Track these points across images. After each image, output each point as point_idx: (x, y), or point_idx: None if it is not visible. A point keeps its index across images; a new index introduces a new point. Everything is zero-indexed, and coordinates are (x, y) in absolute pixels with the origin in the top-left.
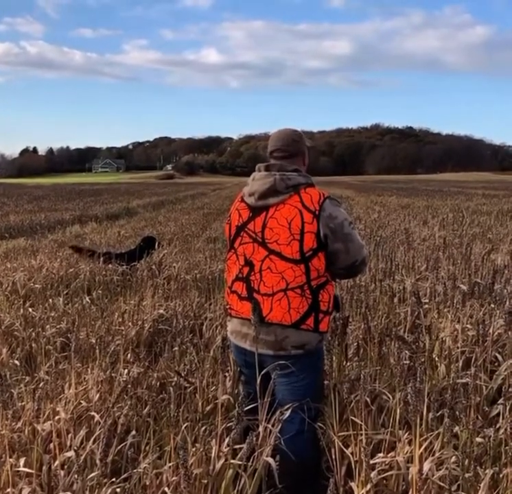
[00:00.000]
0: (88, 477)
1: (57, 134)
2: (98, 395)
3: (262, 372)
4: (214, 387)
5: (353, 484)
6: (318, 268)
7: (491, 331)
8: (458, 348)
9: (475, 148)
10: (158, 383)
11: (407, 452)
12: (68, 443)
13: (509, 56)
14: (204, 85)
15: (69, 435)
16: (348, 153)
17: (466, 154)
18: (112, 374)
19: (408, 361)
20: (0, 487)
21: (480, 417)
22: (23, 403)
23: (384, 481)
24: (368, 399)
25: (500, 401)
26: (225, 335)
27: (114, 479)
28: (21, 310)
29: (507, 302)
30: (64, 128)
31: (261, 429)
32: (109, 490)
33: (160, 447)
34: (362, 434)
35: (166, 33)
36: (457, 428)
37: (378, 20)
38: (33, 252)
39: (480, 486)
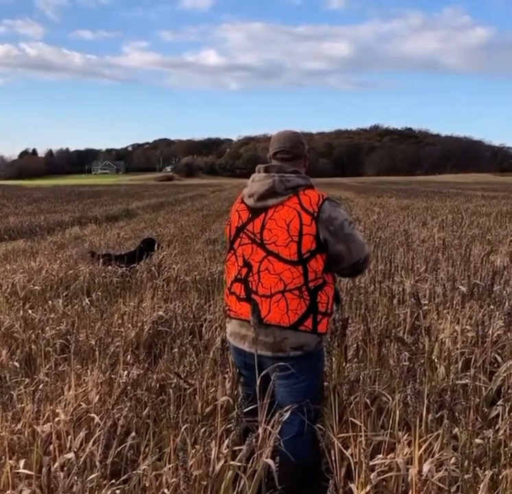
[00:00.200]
0: (88, 478)
1: (57, 136)
2: (98, 397)
3: (261, 374)
4: (214, 389)
5: (352, 486)
6: (315, 270)
7: (490, 332)
8: (457, 349)
9: (475, 149)
10: (157, 385)
11: (406, 453)
12: (68, 445)
13: (509, 57)
14: (203, 87)
15: (69, 436)
16: (348, 154)
17: (465, 155)
18: (112, 376)
19: (407, 363)
20: (0, 489)
21: (479, 418)
22: (23, 405)
23: (384, 482)
24: (367, 401)
25: (500, 402)
26: (224, 337)
27: (113, 481)
28: (21, 312)
29: (506, 304)
30: (64, 130)
31: (260, 430)
32: (109, 492)
33: (159, 448)
34: (361, 436)
35: (165, 35)
36: (456, 429)
37: (377, 21)
38: (33, 253)
39: (479, 487)
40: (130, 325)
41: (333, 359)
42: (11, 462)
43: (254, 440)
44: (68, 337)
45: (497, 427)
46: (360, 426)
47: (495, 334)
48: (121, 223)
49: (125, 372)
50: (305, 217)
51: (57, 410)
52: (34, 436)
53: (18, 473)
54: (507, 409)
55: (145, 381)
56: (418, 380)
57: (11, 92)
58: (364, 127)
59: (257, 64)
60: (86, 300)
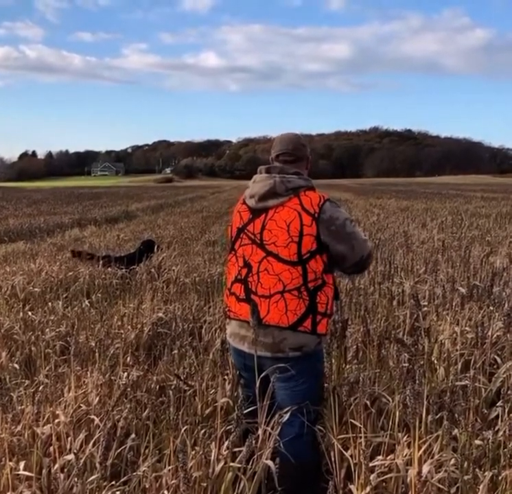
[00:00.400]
0: (88, 480)
1: (57, 138)
2: (98, 398)
3: (261, 375)
4: (213, 391)
5: (352, 487)
6: (315, 270)
7: (489, 333)
8: (457, 350)
9: (474, 151)
10: (157, 387)
11: (406, 454)
12: (67, 446)
13: (508, 59)
14: (203, 88)
15: (69, 438)
16: (347, 156)
17: (465, 156)
18: (112, 378)
19: (407, 364)
20: (0, 490)
21: (479, 419)
22: (23, 407)
23: (384, 483)
24: (367, 402)
25: (499, 403)
26: (224, 339)
27: (113, 483)
28: (21, 313)
29: (506, 305)
30: (64, 132)
31: (260, 432)
32: (109, 493)
33: (159, 450)
34: (361, 437)
35: (165, 37)
36: (456, 430)
37: (377, 23)
38: (33, 255)
39: (479, 489)
40: (129, 327)
41: (333, 361)
42: (11, 463)
43: (254, 442)
44: (68, 338)
45: (496, 428)
46: (360, 427)
47: (495, 335)
48: (120, 225)
49: (125, 373)
50: (305, 217)
51: (57, 412)
52: (34, 437)
53: (18, 474)
54: (507, 411)
55: (145, 383)
56: (417, 381)
57: (10, 94)
58: (364, 128)
59: (257, 66)
60: (86, 302)
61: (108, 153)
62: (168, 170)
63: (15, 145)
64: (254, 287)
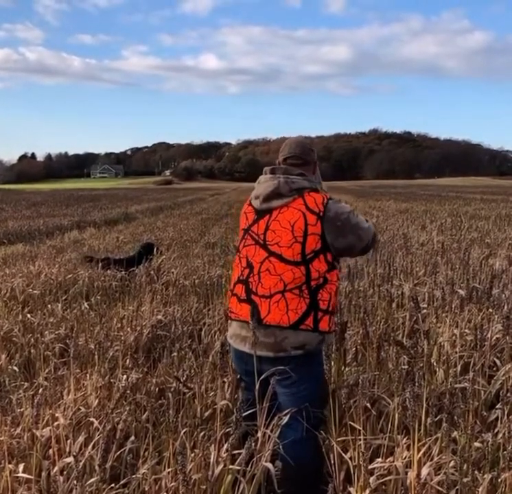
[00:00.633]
0: (87, 482)
1: (56, 140)
2: (97, 401)
3: (261, 377)
4: (213, 393)
5: (351, 489)
6: (318, 269)
7: (489, 335)
8: (456, 352)
9: (474, 153)
10: (157, 389)
11: (405, 457)
12: (67, 449)
13: (507, 61)
14: (202, 90)
15: (68, 441)
16: (347, 158)
17: (464, 158)
18: (111, 380)
19: (406, 366)
20: (0, 493)
21: (478, 422)
22: (22, 409)
23: (383, 486)
24: (367, 404)
25: (498, 405)
26: (224, 341)
27: (113, 485)
28: (20, 316)
29: (505, 307)
30: (63, 134)
31: (259, 434)
32: None
33: (159, 452)
34: (360, 439)
35: (165, 39)
36: (455, 433)
37: (376, 25)
38: (32, 257)
39: (478, 491)
40: (129, 329)
41: (333, 363)
42: (10, 466)
43: (253, 444)
44: (67, 341)
45: (496, 431)
46: (359, 430)
47: (494, 337)
48: (120, 227)
49: (125, 376)
50: (310, 217)
51: (56, 414)
52: (34, 440)
53: (17, 477)
54: (506, 413)
55: (144, 385)
56: (417, 383)
57: (10, 96)
58: (363, 130)
59: (257, 68)
60: (85, 304)
61: (108, 155)
62: (167, 172)
63: (14, 147)
64: (255, 288)
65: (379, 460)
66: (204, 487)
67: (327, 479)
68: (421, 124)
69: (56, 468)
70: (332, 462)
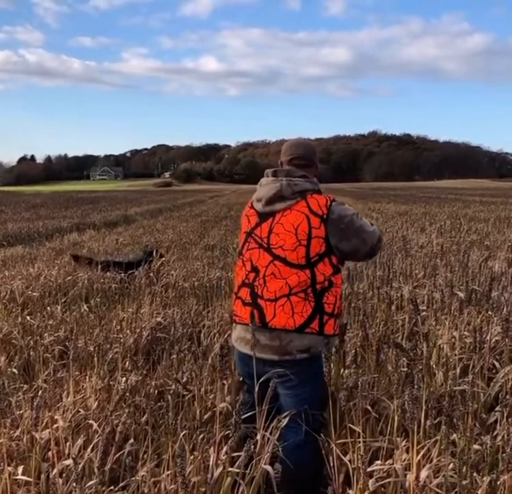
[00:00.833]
0: (87, 485)
1: (56, 142)
2: (96, 403)
3: (261, 379)
4: (212, 395)
5: (351, 492)
6: (323, 273)
7: (488, 338)
8: (455, 355)
9: (473, 155)
10: (156, 391)
11: (405, 459)
12: (66, 451)
13: (507, 64)
14: (202, 93)
15: (67, 443)
16: (346, 160)
17: (463, 161)
18: (111, 383)
19: (405, 369)
20: None
21: (477, 424)
22: (21, 412)
23: (382, 488)
24: (368, 407)
25: (498, 408)
26: (223, 343)
27: (112, 488)
28: (19, 318)
29: (504, 309)
30: (63, 136)
31: (259, 436)
32: None
33: (158, 455)
34: (360, 442)
35: (165, 42)
36: (454, 435)
37: (376, 27)
38: (31, 260)
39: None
40: (128, 331)
41: (332, 365)
42: (10, 468)
43: (252, 447)
44: (66, 343)
45: (495, 433)
46: (359, 432)
47: (493, 340)
48: (119, 229)
49: (124, 378)
50: (313, 220)
51: (55, 417)
52: (33, 442)
53: (16, 479)
54: (505, 415)
55: (144, 388)
56: (416, 386)
57: (10, 99)
58: (363, 133)
59: (256, 70)
60: (85, 307)
61: (107, 157)
62: (167, 174)
63: (14, 149)
64: (260, 291)
65: (379, 462)
66: (204, 489)
67: (326, 481)
68: (421, 126)
69: (55, 471)
70: (331, 464)
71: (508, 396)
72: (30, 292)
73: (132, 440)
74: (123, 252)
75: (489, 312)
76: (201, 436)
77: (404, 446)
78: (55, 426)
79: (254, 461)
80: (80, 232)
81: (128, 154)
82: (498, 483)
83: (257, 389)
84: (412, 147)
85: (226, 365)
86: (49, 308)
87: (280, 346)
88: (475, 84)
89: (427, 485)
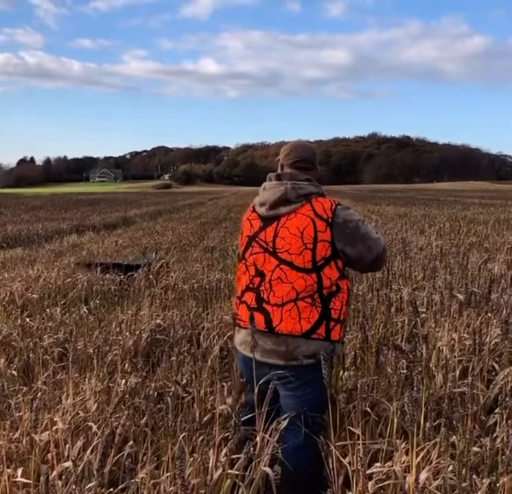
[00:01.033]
0: (86, 487)
1: (55, 144)
2: (96, 405)
3: (261, 381)
4: (212, 397)
5: None
6: (330, 277)
7: (487, 340)
8: (455, 357)
9: (472, 157)
10: (155, 393)
11: (404, 461)
12: (65, 453)
13: (507, 66)
14: (202, 95)
15: (67, 445)
16: (345, 162)
17: (463, 163)
18: (110, 385)
19: (405, 371)
20: None
21: (477, 426)
22: (21, 414)
23: (382, 490)
24: (367, 409)
25: (497, 410)
26: (223, 345)
27: (111, 490)
28: (19, 320)
29: (504, 312)
30: (62, 138)
31: (258, 439)
32: None
33: (157, 457)
34: (359, 444)
35: (165, 44)
36: (454, 437)
37: (376, 30)
38: (31, 262)
39: None
40: (127, 333)
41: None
42: (9, 470)
43: (252, 449)
44: (66, 345)
45: (494, 435)
46: (358, 434)
47: (493, 342)
48: (119, 231)
49: (123, 380)
50: (319, 223)
51: (55, 419)
52: (32, 444)
53: (15, 481)
54: (505, 417)
55: (143, 390)
56: (415, 388)
57: (10, 100)
58: (362, 135)
59: (256, 73)
60: (84, 309)
61: (107, 159)
62: (166, 176)
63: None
64: (267, 296)
65: (378, 464)
66: (203, 492)
67: (325, 484)
68: (420, 128)
69: (55, 473)
70: (331, 466)
71: (507, 399)
72: (29, 294)
73: (131, 442)
74: (122, 253)
75: (489, 314)
76: (201, 438)
77: (404, 448)
78: (54, 428)
79: (253, 463)
80: (80, 234)
81: (128, 156)
82: (498, 485)
83: (256, 391)
84: (411, 149)
85: (226, 367)
86: (48, 310)
87: (286, 352)
88: (475, 86)
89: (426, 487)
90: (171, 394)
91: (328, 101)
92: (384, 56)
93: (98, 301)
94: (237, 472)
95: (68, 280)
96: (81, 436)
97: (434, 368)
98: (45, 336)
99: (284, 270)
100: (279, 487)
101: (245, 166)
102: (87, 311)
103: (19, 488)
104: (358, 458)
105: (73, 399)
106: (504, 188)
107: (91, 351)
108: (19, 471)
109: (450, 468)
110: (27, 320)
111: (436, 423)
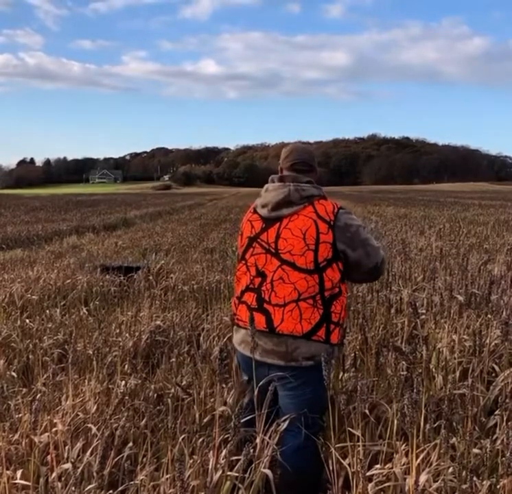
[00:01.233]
0: (85, 489)
1: (55, 145)
2: (95, 407)
3: (261, 382)
4: (212, 399)
5: None
6: (332, 279)
7: (487, 341)
8: (455, 358)
9: (472, 158)
10: (155, 395)
11: (404, 463)
12: (65, 455)
13: (506, 67)
14: (202, 96)
15: (66, 447)
16: (345, 163)
17: (462, 164)
18: (110, 386)
19: (405, 372)
20: None
21: (477, 428)
22: (20, 415)
23: (382, 492)
24: (367, 411)
25: (497, 411)
26: (223, 346)
27: (111, 491)
28: (18, 321)
29: (504, 313)
30: (62, 139)
31: (258, 440)
32: None
33: (157, 458)
34: (359, 445)
35: (165, 45)
36: (454, 439)
37: (376, 31)
38: (31, 263)
39: None
40: (127, 335)
41: (331, 369)
42: (8, 472)
43: (251, 450)
44: (65, 346)
45: (494, 437)
46: (358, 436)
47: (493, 343)
48: (118, 232)
49: (123, 382)
50: (321, 225)
51: (54, 420)
52: (32, 446)
53: (15, 483)
54: (505, 419)
55: (143, 391)
56: (415, 389)
57: (10, 102)
58: (362, 136)
59: (256, 74)
60: (84, 310)
61: (107, 160)
62: (166, 177)
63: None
64: (268, 296)
65: (378, 466)
66: (203, 493)
67: (325, 485)
68: (420, 129)
69: (54, 475)
70: (331, 468)
71: (507, 400)
72: (29, 295)
73: (131, 444)
74: (122, 255)
75: (489, 315)
76: (200, 439)
77: (403, 450)
78: (54, 430)
79: (253, 465)
80: (79, 235)
81: (128, 157)
82: (498, 487)
83: (256, 392)
84: (411, 150)
85: (226, 368)
86: (48, 311)
87: (286, 352)
88: (475, 87)
89: (426, 489)
90: (171, 395)
91: (328, 102)
92: (384, 57)
93: (98, 302)
94: (237, 474)
95: (68, 281)
96: (80, 438)
97: (434, 369)
98: (45, 337)
99: (286, 271)
100: (279, 489)
101: (245, 167)
102: (87, 313)
103: (18, 490)
104: (358, 460)
105: (73, 401)
106: (504, 189)
107: (91, 352)
108: (18, 473)
109: (450, 470)
110: (27, 321)
111: (436, 425)
